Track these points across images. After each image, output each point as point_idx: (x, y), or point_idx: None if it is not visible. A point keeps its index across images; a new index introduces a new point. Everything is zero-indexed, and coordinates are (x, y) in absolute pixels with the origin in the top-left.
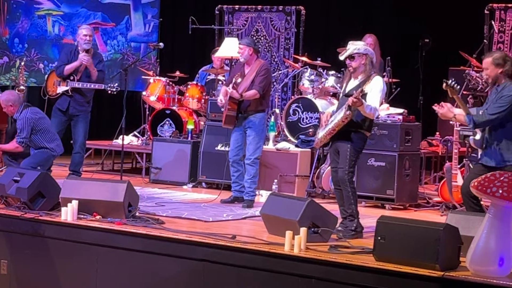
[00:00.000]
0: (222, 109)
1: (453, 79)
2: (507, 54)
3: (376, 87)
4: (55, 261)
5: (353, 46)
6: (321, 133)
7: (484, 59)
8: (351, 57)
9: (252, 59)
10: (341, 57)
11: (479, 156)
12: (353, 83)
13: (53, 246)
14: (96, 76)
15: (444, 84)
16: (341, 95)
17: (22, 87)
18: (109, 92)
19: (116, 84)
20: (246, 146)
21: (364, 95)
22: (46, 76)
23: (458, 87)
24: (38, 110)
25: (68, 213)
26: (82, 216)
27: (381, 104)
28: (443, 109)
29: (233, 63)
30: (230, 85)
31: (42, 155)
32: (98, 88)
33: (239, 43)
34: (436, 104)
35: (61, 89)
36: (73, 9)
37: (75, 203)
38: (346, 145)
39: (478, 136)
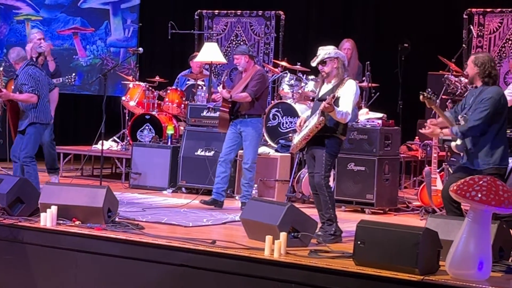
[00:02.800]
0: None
1: (429, 90)
2: (492, 59)
3: (349, 91)
4: (34, 266)
5: (324, 51)
6: (296, 138)
7: (470, 56)
8: (322, 62)
9: (250, 66)
10: (313, 64)
11: (461, 160)
12: (326, 87)
13: (32, 251)
14: (54, 67)
15: (421, 97)
16: (315, 99)
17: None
18: (68, 83)
19: (74, 74)
20: (244, 149)
21: (337, 99)
22: (5, 84)
23: (435, 97)
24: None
25: (47, 219)
26: (61, 221)
27: (361, 108)
28: (429, 130)
29: (213, 68)
30: (221, 85)
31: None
32: (56, 82)
33: (234, 53)
34: (422, 128)
35: None
36: (52, 14)
37: (54, 208)
38: (322, 151)
39: (459, 141)
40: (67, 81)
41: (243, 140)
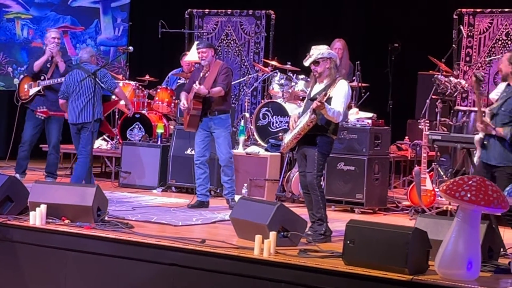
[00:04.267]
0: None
1: (482, 74)
2: None
3: (340, 91)
4: (23, 265)
5: (317, 51)
6: (287, 137)
7: (506, 53)
8: (315, 62)
9: (213, 61)
10: (306, 63)
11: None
12: (318, 87)
13: (21, 250)
14: (64, 68)
15: (474, 78)
16: (306, 98)
17: None
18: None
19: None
20: (217, 148)
21: (328, 99)
22: (18, 83)
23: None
24: None
25: (36, 218)
26: (50, 220)
27: (350, 108)
28: (482, 127)
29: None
30: (197, 82)
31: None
32: (45, 83)
33: (199, 47)
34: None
35: (33, 90)
36: (42, 13)
37: (43, 207)
38: (313, 150)
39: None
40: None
41: (216, 138)
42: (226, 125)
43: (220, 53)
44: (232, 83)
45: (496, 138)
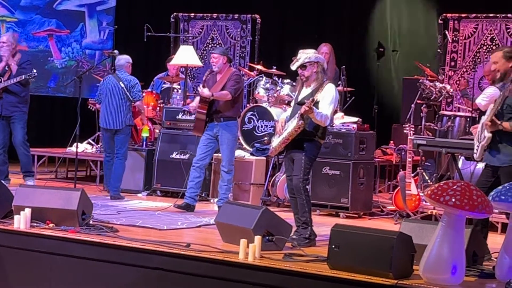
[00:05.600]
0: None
1: None
2: None
3: (328, 95)
4: (7, 270)
5: (304, 55)
6: (275, 142)
7: (494, 53)
8: (302, 66)
9: (225, 68)
10: (293, 67)
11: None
12: (305, 91)
13: (5, 254)
14: (16, 70)
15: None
16: (293, 103)
17: None
18: (30, 79)
19: (35, 71)
20: (221, 152)
21: (316, 104)
22: None
23: None
24: None
25: (21, 221)
26: (35, 224)
27: (336, 112)
28: (489, 126)
29: (188, 71)
30: (201, 85)
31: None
32: (19, 80)
33: (213, 53)
34: (474, 127)
35: None
36: (27, 16)
37: (28, 211)
38: (301, 154)
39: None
40: (28, 77)
41: (220, 144)
42: (232, 132)
43: (205, 57)
44: None
45: (504, 140)
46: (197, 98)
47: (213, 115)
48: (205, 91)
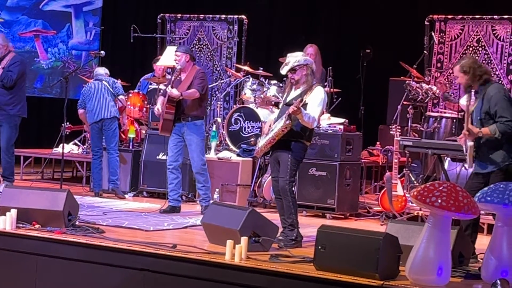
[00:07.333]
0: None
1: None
2: (475, 59)
3: (316, 98)
4: None
5: (293, 59)
6: (261, 142)
7: (454, 66)
8: (292, 69)
9: (189, 66)
10: (283, 71)
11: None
12: (294, 92)
13: None
14: (0, 73)
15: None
16: (281, 104)
17: None
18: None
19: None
20: (190, 155)
21: (304, 105)
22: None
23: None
24: None
25: (6, 222)
26: (21, 225)
27: (322, 114)
28: (468, 136)
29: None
30: (169, 85)
31: None
32: None
33: (176, 51)
34: (460, 137)
35: None
36: (14, 17)
37: (14, 212)
38: (287, 155)
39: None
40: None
41: (188, 145)
42: (200, 131)
43: None
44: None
45: (488, 146)
46: (160, 100)
47: (180, 114)
48: (174, 91)
